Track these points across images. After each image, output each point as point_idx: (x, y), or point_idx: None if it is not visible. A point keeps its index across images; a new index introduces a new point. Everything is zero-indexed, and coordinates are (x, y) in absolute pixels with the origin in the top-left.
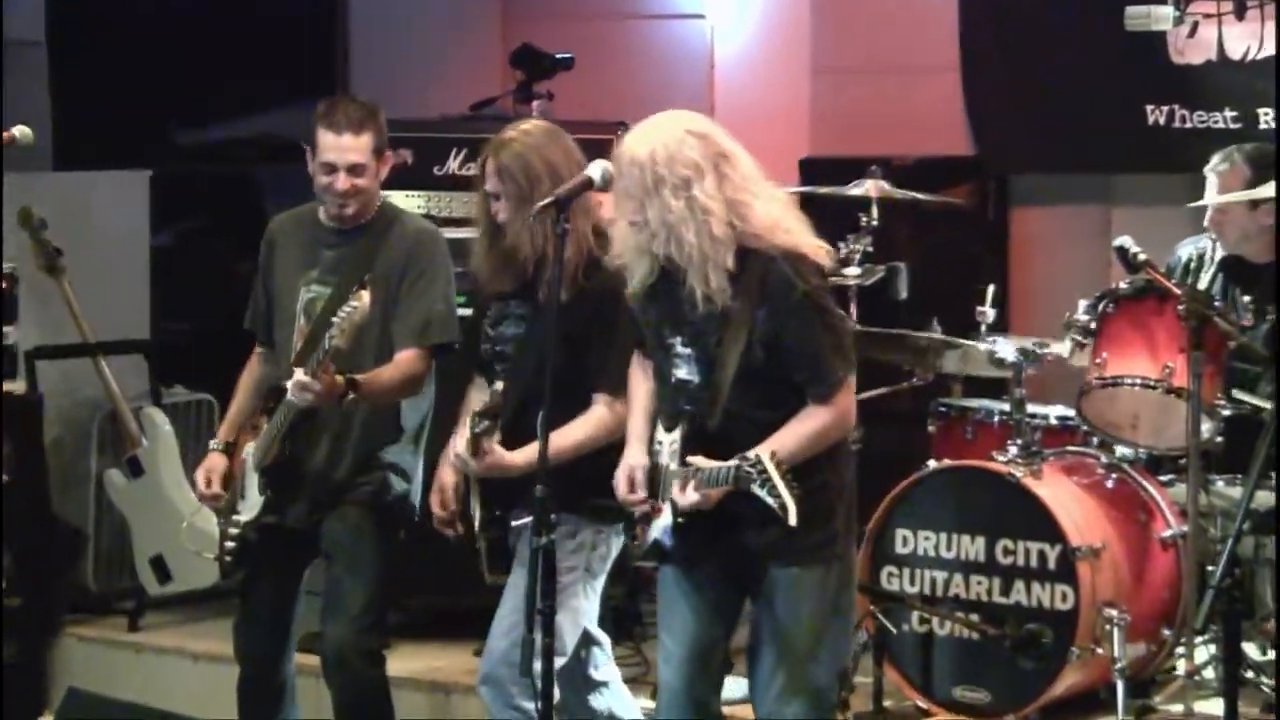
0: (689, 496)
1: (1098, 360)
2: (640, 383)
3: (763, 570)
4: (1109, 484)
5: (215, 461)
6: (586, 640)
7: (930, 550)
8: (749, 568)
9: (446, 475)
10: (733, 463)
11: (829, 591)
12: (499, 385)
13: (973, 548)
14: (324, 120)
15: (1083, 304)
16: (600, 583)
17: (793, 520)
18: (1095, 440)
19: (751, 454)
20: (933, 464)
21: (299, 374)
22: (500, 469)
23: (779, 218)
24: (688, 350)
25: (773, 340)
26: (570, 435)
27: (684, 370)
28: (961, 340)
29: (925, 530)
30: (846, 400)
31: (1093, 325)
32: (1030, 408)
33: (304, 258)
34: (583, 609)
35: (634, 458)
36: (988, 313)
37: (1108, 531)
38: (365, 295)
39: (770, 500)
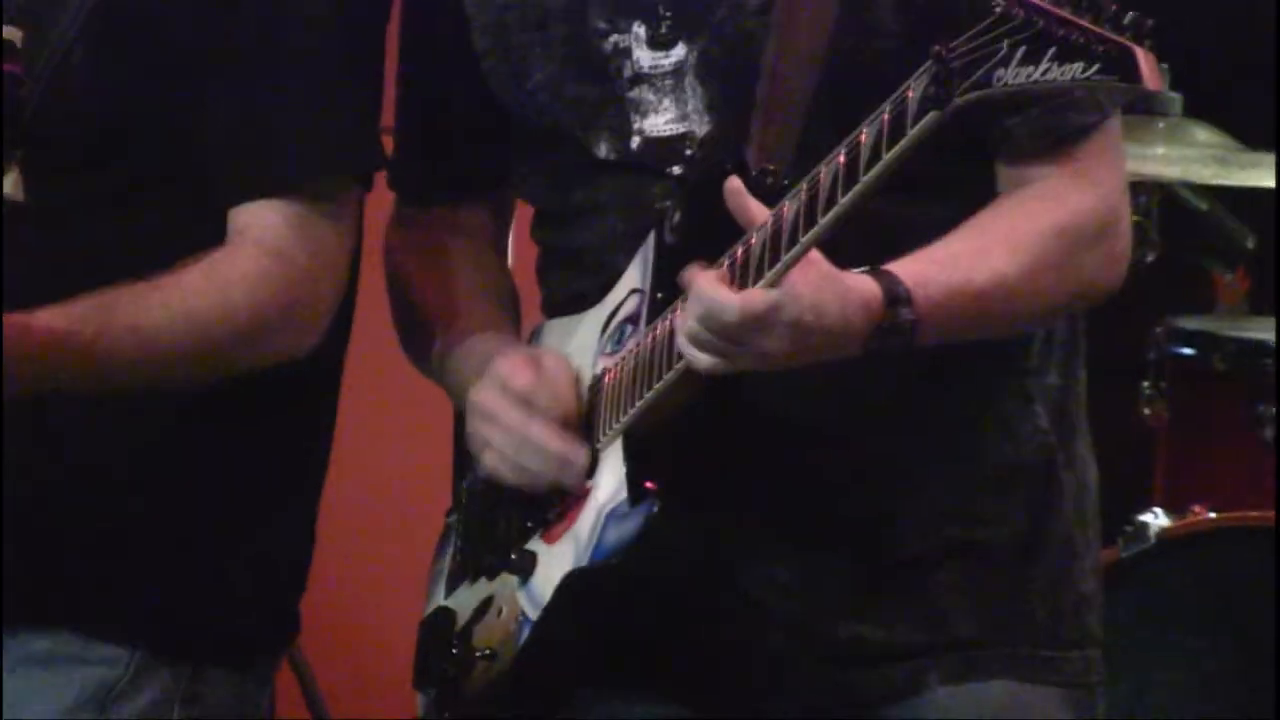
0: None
1: None
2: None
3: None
4: None
5: None
6: None
7: None
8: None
9: None
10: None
11: None
12: None
13: None
14: None
15: None
16: None
17: (1146, 80)
18: None
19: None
20: (1157, 519)
21: None
22: None
23: None
24: (673, 55)
25: None
26: (138, 314)
27: (667, 110)
28: None
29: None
30: (1111, 167)
31: None
32: None
33: None
34: None
35: (519, 350)
36: None
37: None
38: None
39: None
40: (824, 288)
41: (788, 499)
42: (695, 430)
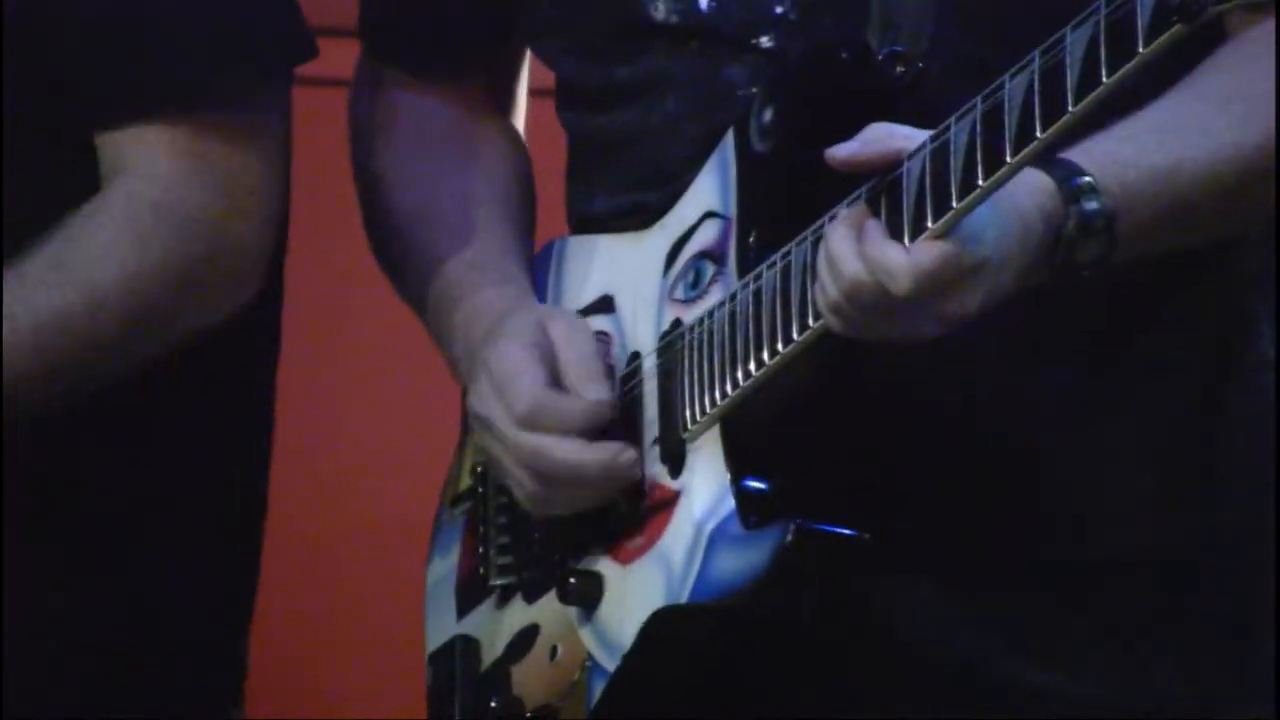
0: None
1: None
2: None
3: None
4: None
5: None
6: None
7: None
8: None
9: None
10: None
11: None
12: None
13: None
14: None
15: None
16: None
17: None
18: None
19: None
20: None
21: None
22: None
23: None
24: None
25: None
26: None
27: None
28: None
29: None
30: None
31: None
32: None
33: None
34: None
35: (536, 312)
36: None
37: None
38: None
39: None
40: (997, 207)
41: (942, 504)
42: (817, 415)
